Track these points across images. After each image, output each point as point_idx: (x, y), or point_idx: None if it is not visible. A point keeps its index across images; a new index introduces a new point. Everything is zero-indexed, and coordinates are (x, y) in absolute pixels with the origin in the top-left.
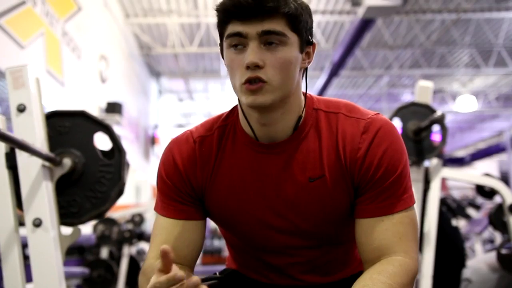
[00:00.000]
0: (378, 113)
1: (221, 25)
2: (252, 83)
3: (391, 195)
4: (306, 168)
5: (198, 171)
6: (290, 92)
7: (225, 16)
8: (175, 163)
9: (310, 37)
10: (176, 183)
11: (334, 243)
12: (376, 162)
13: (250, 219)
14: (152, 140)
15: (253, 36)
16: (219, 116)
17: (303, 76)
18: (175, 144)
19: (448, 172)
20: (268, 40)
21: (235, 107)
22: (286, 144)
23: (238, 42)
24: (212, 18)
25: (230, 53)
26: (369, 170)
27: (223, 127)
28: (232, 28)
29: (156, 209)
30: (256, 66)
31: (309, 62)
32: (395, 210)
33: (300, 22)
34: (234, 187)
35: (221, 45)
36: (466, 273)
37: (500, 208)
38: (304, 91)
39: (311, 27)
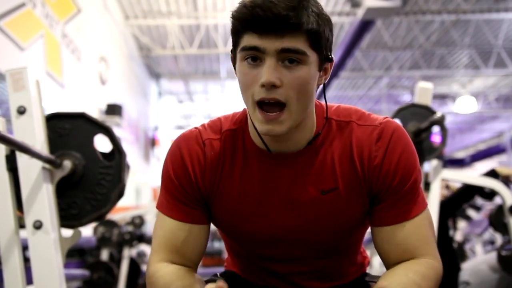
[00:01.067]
0: (387, 117)
1: (236, 34)
2: (268, 111)
3: (409, 201)
4: (318, 180)
5: (207, 175)
6: (306, 112)
7: (241, 26)
8: (184, 163)
9: (329, 54)
10: (184, 185)
11: (341, 252)
12: (392, 169)
13: (258, 230)
14: (152, 142)
15: (271, 52)
16: (227, 118)
17: (317, 90)
18: (183, 142)
19: (448, 174)
20: (287, 57)
21: (244, 112)
22: (299, 156)
23: (253, 56)
24: (212, 20)
25: (244, 67)
26: (387, 177)
27: (232, 132)
28: (249, 40)
29: (160, 207)
30: (272, 86)
31: (325, 79)
32: (415, 214)
33: (321, 39)
34: (243, 197)
35: (233, 52)
36: (464, 275)
37: (500, 209)
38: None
39: (331, 42)
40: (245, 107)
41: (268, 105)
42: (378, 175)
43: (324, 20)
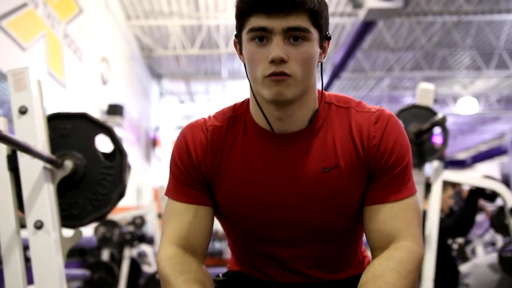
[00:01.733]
0: (382, 107)
1: (242, 17)
2: (277, 75)
3: (400, 182)
4: (320, 158)
5: (208, 159)
6: (309, 86)
7: (249, 8)
8: (188, 148)
9: (328, 33)
10: (188, 168)
11: (342, 239)
12: (389, 149)
13: (259, 210)
14: (153, 142)
15: (278, 31)
16: (229, 107)
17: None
18: (189, 129)
19: (449, 175)
20: (293, 35)
21: (246, 99)
22: (300, 135)
23: (261, 36)
24: (213, 20)
25: (252, 46)
26: (383, 157)
27: (233, 118)
28: (256, 21)
29: (168, 193)
30: (281, 61)
31: (324, 57)
32: (403, 196)
33: (322, 18)
34: (244, 177)
35: (238, 36)
36: (464, 277)
37: (501, 210)
38: (318, 84)
39: (328, 22)
40: (247, 95)
41: (277, 75)
42: (376, 153)
43: (322, 1)
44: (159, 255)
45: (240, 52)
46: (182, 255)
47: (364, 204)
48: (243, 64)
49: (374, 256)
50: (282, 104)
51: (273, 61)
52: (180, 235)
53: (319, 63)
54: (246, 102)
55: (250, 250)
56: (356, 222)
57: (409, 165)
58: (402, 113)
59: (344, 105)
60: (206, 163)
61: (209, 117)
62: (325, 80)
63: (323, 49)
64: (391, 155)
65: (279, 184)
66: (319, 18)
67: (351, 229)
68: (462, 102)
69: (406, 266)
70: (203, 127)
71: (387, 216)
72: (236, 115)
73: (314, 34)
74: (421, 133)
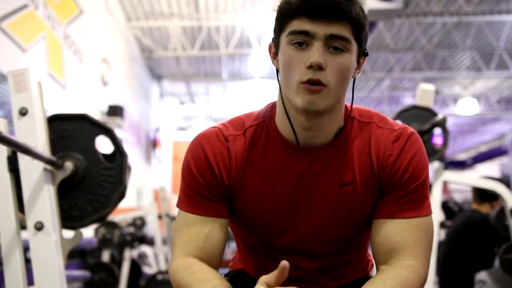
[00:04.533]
0: (406, 125)
1: (284, 19)
2: (312, 84)
3: (412, 201)
4: (337, 173)
5: (232, 170)
6: (340, 99)
7: (293, 10)
8: (208, 159)
9: (366, 48)
10: (209, 181)
11: (352, 249)
12: (403, 167)
13: (276, 221)
14: (154, 143)
15: (320, 37)
16: (248, 116)
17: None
18: (205, 139)
19: (450, 176)
20: (334, 43)
21: (270, 107)
22: (324, 149)
23: (302, 40)
24: (213, 22)
25: (291, 50)
26: (397, 173)
27: (255, 127)
28: (299, 25)
29: (180, 205)
30: (319, 67)
31: (358, 73)
32: (414, 215)
33: (364, 32)
34: (264, 188)
35: (274, 40)
36: (480, 275)
37: (502, 211)
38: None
39: (367, 38)
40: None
41: (312, 83)
42: (390, 170)
43: (366, 16)
44: (174, 266)
45: (274, 57)
46: (199, 263)
47: (373, 218)
48: (275, 69)
49: (377, 269)
50: (313, 115)
51: (311, 67)
52: (195, 247)
53: (352, 78)
54: (270, 110)
55: (261, 256)
56: (364, 234)
57: (425, 185)
58: (402, 114)
59: (366, 120)
60: (230, 175)
61: (224, 125)
62: None
63: (358, 64)
64: (405, 172)
65: (297, 196)
66: (361, 31)
67: (359, 241)
68: (462, 102)
69: (410, 286)
70: (220, 137)
71: (393, 231)
72: (258, 123)
73: (354, 46)
74: (422, 134)
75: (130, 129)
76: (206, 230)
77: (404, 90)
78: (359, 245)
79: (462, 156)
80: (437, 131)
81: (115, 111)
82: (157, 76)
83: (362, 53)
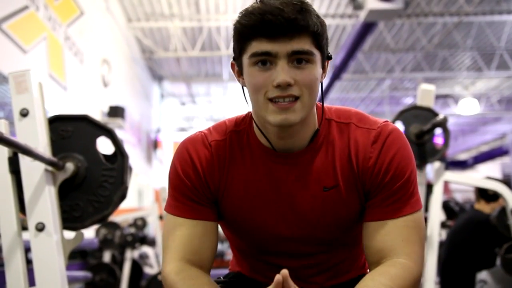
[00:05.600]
0: (387, 121)
1: (243, 41)
2: (283, 101)
3: (398, 200)
4: (320, 178)
5: (216, 174)
6: (312, 107)
7: (250, 33)
8: (193, 163)
9: (329, 52)
10: (195, 182)
11: (343, 246)
12: (384, 168)
13: (262, 224)
14: (155, 144)
15: (282, 55)
16: (231, 121)
17: None
18: (190, 144)
19: (451, 176)
20: (296, 58)
21: (248, 115)
22: (302, 155)
23: (264, 60)
24: (214, 22)
25: (255, 71)
26: (378, 175)
27: (236, 133)
28: (259, 46)
29: (168, 209)
30: (287, 85)
31: (324, 76)
32: (401, 214)
33: (323, 39)
34: (249, 193)
35: (237, 59)
36: (481, 275)
37: (503, 211)
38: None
39: (328, 43)
40: (249, 110)
41: (283, 100)
42: (371, 174)
43: (322, 22)
44: (166, 270)
45: (238, 75)
46: (190, 269)
47: (363, 220)
48: (241, 87)
49: (370, 271)
50: (287, 127)
51: (279, 86)
52: (187, 250)
53: (320, 83)
54: (248, 118)
55: (253, 258)
56: (356, 232)
57: (410, 182)
58: (403, 114)
59: (344, 120)
60: (214, 179)
61: (208, 130)
62: (326, 82)
63: (323, 69)
64: (386, 172)
65: (280, 202)
66: (321, 40)
67: (351, 238)
68: (463, 103)
69: (400, 282)
70: (205, 142)
71: (381, 232)
72: (239, 130)
73: (317, 55)
74: (422, 134)
75: (131, 130)
76: (196, 233)
77: (405, 90)
78: (349, 243)
79: (463, 156)
80: (438, 131)
81: (116, 112)
82: (158, 77)
83: (326, 58)
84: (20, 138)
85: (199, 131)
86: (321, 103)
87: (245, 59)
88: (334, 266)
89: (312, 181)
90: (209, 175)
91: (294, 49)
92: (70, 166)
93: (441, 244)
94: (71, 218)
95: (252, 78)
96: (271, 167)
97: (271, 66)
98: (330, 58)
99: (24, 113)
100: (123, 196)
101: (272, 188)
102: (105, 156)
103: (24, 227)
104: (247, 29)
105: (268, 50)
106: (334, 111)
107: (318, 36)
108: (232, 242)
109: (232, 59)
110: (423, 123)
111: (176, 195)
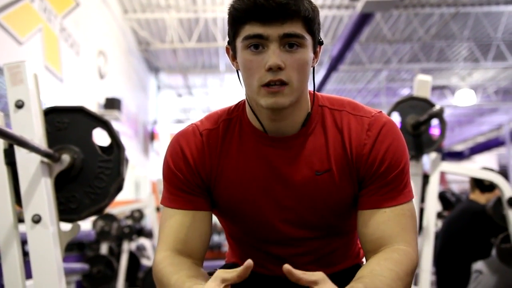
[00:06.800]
0: (381, 111)
1: (236, 25)
2: (273, 86)
3: (393, 189)
4: (313, 162)
5: (207, 162)
6: (303, 91)
7: (243, 16)
8: (184, 154)
9: (320, 38)
10: (186, 174)
11: (337, 233)
12: (380, 157)
13: (256, 210)
14: (151, 136)
15: (274, 38)
16: (224, 110)
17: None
18: (181, 136)
19: (447, 166)
20: (288, 41)
21: (241, 102)
22: (294, 139)
23: (256, 43)
24: (210, 13)
25: (247, 54)
26: (374, 164)
27: (228, 121)
28: (251, 29)
29: (163, 202)
30: (278, 68)
31: (316, 61)
32: (397, 202)
33: (315, 24)
34: (242, 178)
35: (231, 43)
36: (477, 265)
37: (499, 201)
38: (311, 88)
39: (320, 28)
40: (243, 97)
41: (273, 84)
42: (366, 162)
43: (315, 7)
44: (154, 261)
45: (233, 59)
46: (174, 256)
47: (358, 208)
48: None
49: (367, 258)
50: (278, 110)
51: (270, 69)
52: (176, 240)
53: (312, 68)
54: (241, 105)
55: (249, 247)
56: (350, 219)
57: (405, 172)
58: (399, 104)
59: (338, 107)
60: (205, 167)
61: (200, 121)
62: (323, 73)
63: (315, 54)
64: (382, 163)
65: (273, 186)
66: (312, 25)
67: (345, 225)
68: (460, 93)
69: (404, 268)
70: (196, 132)
71: (379, 221)
72: (231, 117)
73: (309, 40)
74: (419, 125)
75: (127, 121)
76: (187, 223)
77: (402, 81)
78: (343, 230)
79: (459, 147)
80: (435, 122)
81: (112, 103)
82: (154, 69)
83: (318, 43)
84: (16, 130)
85: (191, 124)
86: (313, 88)
87: (239, 43)
88: (328, 254)
89: (304, 165)
90: (200, 164)
91: (286, 32)
92: (66, 158)
93: (437, 235)
94: (67, 210)
95: (245, 62)
96: (263, 151)
97: (263, 49)
98: (321, 43)
99: (19, 105)
100: (119, 188)
101: (264, 172)
102: (101, 147)
103: (21, 219)
104: (240, 13)
105: (260, 33)
106: (327, 98)
107: (310, 21)
108: (227, 230)
109: (227, 43)
110: (419, 114)
111: (170, 188)
